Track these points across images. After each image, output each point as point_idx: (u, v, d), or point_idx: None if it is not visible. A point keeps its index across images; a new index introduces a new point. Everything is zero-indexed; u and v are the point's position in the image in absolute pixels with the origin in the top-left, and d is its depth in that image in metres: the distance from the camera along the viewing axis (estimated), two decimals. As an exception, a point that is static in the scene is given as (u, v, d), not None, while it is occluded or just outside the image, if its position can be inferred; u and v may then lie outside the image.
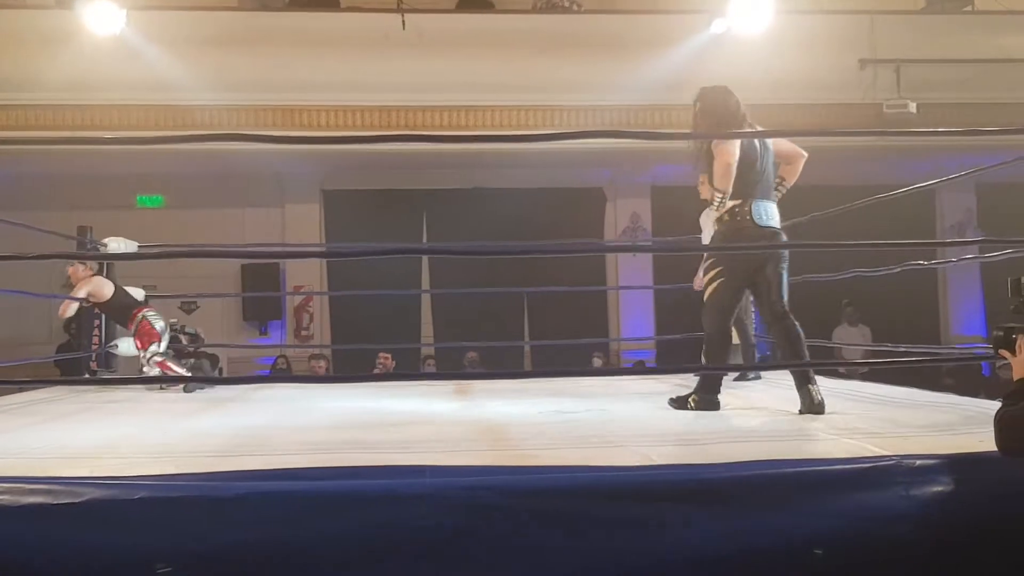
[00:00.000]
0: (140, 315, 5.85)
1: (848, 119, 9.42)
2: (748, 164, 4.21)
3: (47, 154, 8.89)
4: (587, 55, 9.34)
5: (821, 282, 5.81)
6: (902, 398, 4.39)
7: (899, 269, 5.17)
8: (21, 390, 6.12)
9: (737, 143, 4.17)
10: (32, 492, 2.40)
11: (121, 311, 5.94)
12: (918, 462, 2.62)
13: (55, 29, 8.72)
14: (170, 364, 5.75)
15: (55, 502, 2.38)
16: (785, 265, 4.30)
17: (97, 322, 6.49)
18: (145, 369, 5.71)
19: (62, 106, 8.98)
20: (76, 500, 2.38)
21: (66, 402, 4.90)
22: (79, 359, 6.40)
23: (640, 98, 9.28)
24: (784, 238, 4.35)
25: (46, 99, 8.87)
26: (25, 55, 8.72)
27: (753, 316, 5.81)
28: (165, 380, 5.51)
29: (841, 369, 7.31)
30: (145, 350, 5.76)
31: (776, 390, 5.08)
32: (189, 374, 5.94)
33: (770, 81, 9.16)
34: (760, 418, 3.97)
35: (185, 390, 5.49)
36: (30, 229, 5.75)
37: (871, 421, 3.57)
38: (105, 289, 5.88)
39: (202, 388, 5.55)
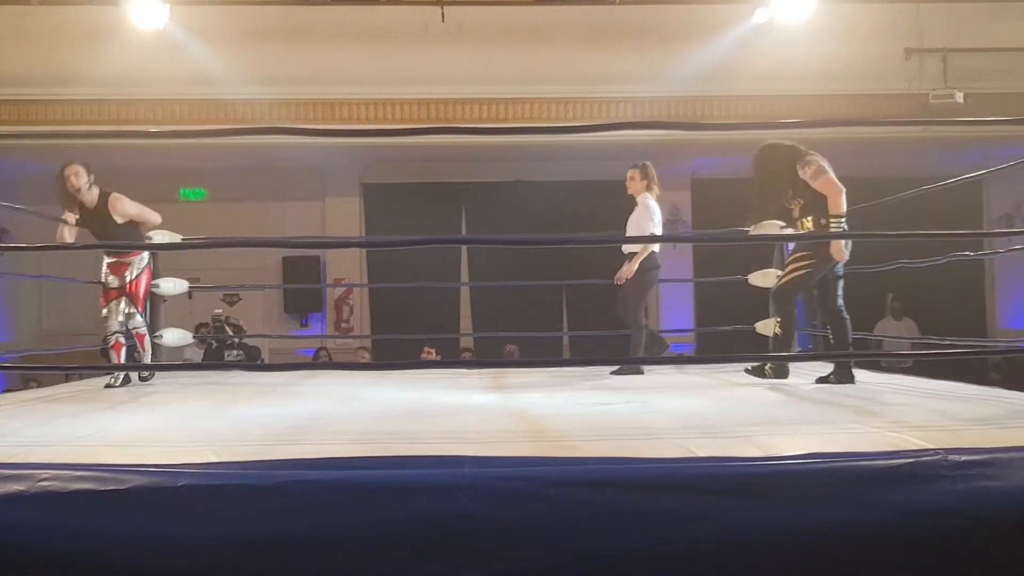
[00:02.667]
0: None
1: (893, 109, 9.29)
2: None
3: (93, 148, 9.00)
4: (628, 46, 9.29)
5: (865, 275, 5.73)
6: (948, 392, 4.32)
7: (945, 260, 5.09)
8: (68, 379, 6.24)
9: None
10: (79, 479, 2.44)
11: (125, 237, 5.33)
12: (964, 456, 2.57)
13: (100, 24, 8.83)
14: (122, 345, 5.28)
15: (101, 488, 2.42)
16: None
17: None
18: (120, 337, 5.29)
19: (107, 101, 9.10)
20: (121, 487, 2.42)
21: (112, 391, 4.97)
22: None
23: (681, 89, 9.23)
24: None
25: (91, 94, 9.00)
26: (72, 50, 8.85)
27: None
28: (194, 367, 5.54)
29: (885, 362, 7.20)
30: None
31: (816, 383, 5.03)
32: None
33: (813, 71, 9.07)
34: (802, 410, 3.93)
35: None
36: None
37: (916, 415, 3.52)
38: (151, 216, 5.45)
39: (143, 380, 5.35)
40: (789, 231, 5.52)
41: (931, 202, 5.26)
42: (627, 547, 2.44)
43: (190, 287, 6.72)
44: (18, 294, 10.87)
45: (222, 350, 8.44)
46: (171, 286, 6.57)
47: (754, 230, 5.69)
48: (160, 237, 6.20)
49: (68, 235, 5.27)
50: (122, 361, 5.26)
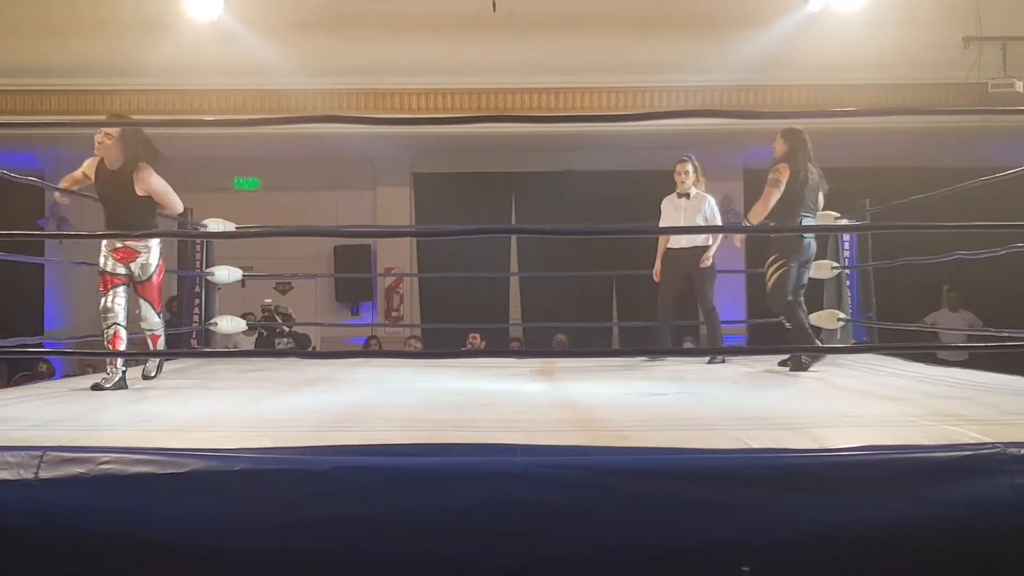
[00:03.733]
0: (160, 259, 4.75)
1: (951, 99, 9.10)
2: None
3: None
4: (679, 35, 9.21)
5: (922, 266, 5.65)
6: (1005, 386, 4.24)
7: (1003, 252, 4.99)
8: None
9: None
10: (139, 462, 2.50)
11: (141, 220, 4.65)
12: (1023, 450, 2.53)
13: (158, 16, 8.96)
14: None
15: (160, 472, 2.47)
16: None
17: (197, 301, 6.68)
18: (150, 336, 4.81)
19: (163, 91, 9.24)
20: (180, 471, 2.47)
21: (168, 377, 5.05)
22: (179, 335, 6.59)
23: (733, 78, 9.14)
24: None
25: (148, 84, 9.14)
26: (129, 41, 8.99)
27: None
28: (246, 354, 5.43)
29: (941, 355, 7.10)
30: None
31: (872, 376, 4.98)
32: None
33: (869, 60, 8.92)
34: (856, 403, 3.88)
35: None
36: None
37: (973, 408, 3.47)
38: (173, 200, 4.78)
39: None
40: (844, 222, 5.56)
41: (989, 193, 5.14)
42: (679, 538, 2.44)
43: (244, 275, 6.82)
44: (75, 281, 11.07)
45: (272, 338, 8.55)
46: (225, 274, 6.68)
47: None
48: (215, 226, 6.30)
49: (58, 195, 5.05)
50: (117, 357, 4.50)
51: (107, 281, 4.61)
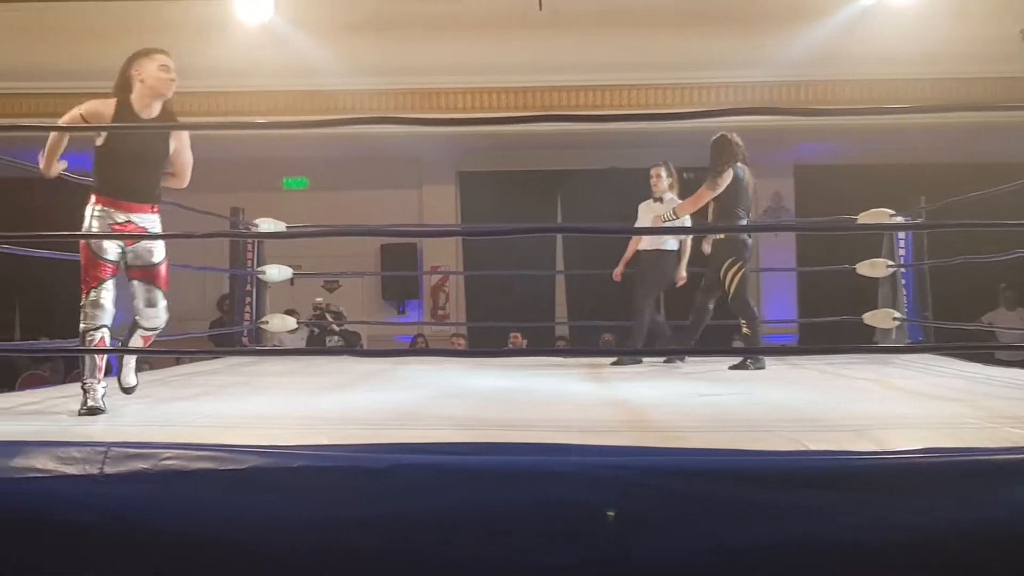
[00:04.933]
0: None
1: (1008, 93, 8.91)
2: None
3: (203, 139, 9.26)
4: (727, 30, 9.13)
5: (977, 264, 5.56)
6: (1067, 386, 4.16)
7: (1064, 251, 4.89)
8: (179, 362, 6.46)
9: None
10: (199, 458, 2.53)
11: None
12: (1089, 453, 2.48)
13: (209, 19, 9.06)
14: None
15: (221, 468, 2.50)
16: None
17: (248, 299, 6.76)
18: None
19: (214, 93, 9.34)
20: (240, 467, 2.49)
21: (223, 375, 5.12)
22: (231, 334, 6.67)
23: (783, 74, 9.03)
24: None
25: (200, 86, 9.23)
26: (182, 45, 9.00)
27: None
28: (299, 352, 5.34)
29: (999, 355, 6.97)
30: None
31: (930, 376, 4.90)
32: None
33: (923, 54, 8.76)
34: (914, 404, 3.82)
35: None
36: (187, 210, 6.03)
37: (1035, 410, 3.40)
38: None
39: None
40: (899, 220, 5.53)
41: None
42: (735, 541, 2.41)
43: (293, 274, 6.89)
44: (123, 281, 11.24)
45: (323, 336, 8.63)
46: (276, 272, 6.75)
47: (863, 218, 5.61)
48: (266, 226, 6.38)
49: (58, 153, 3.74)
50: (103, 361, 3.64)
51: (100, 268, 3.58)
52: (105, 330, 3.59)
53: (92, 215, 3.65)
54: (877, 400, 3.98)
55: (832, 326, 7.13)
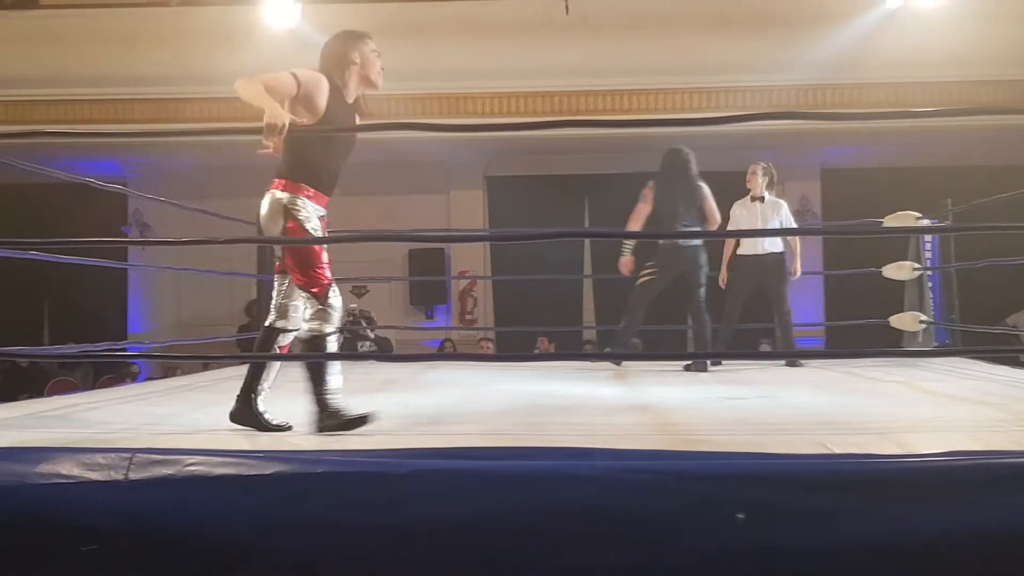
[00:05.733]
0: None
1: (1036, 95, 8.83)
2: None
3: (228, 144, 9.35)
4: (754, 34, 9.09)
5: (1002, 266, 5.50)
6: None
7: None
8: (206, 367, 6.51)
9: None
10: (224, 464, 2.53)
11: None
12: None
13: (236, 25, 9.13)
14: None
15: (244, 474, 2.50)
16: None
17: (276, 304, 6.79)
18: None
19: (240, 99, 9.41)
20: (264, 472, 2.50)
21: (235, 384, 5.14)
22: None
23: (811, 77, 8.98)
24: None
25: (229, 92, 9.32)
26: (209, 50, 9.17)
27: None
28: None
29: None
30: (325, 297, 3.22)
31: (957, 379, 4.85)
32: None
33: (950, 57, 8.68)
34: (942, 407, 3.79)
35: None
36: (212, 216, 6.10)
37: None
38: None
39: None
40: (926, 222, 5.51)
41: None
42: (761, 544, 2.40)
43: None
44: (158, 286, 11.35)
45: (355, 341, 8.68)
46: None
47: (889, 221, 5.56)
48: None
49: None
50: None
51: (325, 267, 3.22)
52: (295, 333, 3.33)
53: (309, 208, 3.30)
54: (903, 403, 3.94)
55: (859, 329, 7.08)
